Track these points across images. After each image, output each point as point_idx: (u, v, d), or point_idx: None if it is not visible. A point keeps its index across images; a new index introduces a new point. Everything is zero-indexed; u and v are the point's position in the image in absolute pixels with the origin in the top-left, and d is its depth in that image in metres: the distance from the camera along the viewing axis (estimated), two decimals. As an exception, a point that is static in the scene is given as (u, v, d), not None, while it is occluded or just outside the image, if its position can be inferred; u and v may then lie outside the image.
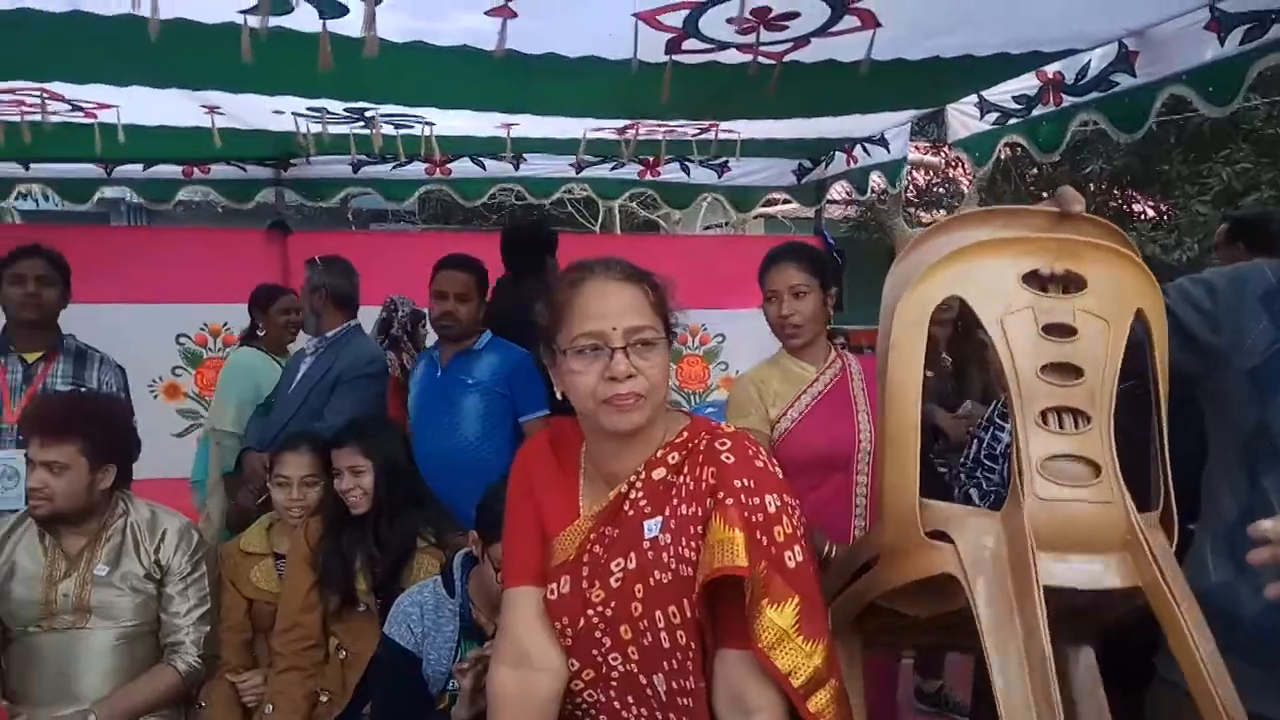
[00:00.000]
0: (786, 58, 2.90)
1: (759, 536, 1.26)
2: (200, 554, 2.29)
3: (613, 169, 4.97)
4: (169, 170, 4.73)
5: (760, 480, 1.31)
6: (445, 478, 2.73)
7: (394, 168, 4.84)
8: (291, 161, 4.80)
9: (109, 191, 5.28)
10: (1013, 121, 3.47)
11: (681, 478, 1.34)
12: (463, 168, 4.92)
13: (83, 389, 2.78)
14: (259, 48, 2.40)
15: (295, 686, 2.34)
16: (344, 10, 2.52)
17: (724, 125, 4.05)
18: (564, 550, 1.39)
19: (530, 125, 4.05)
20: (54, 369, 2.77)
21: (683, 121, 3.99)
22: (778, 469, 1.36)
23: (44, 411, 2.18)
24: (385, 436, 2.49)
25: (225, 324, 4.93)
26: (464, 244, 3.93)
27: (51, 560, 2.15)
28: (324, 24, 2.52)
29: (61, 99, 3.55)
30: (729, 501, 1.28)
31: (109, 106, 3.65)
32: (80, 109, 3.69)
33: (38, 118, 3.59)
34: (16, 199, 5.15)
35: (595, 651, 1.36)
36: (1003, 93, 3.46)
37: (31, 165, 4.61)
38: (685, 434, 1.39)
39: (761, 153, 4.68)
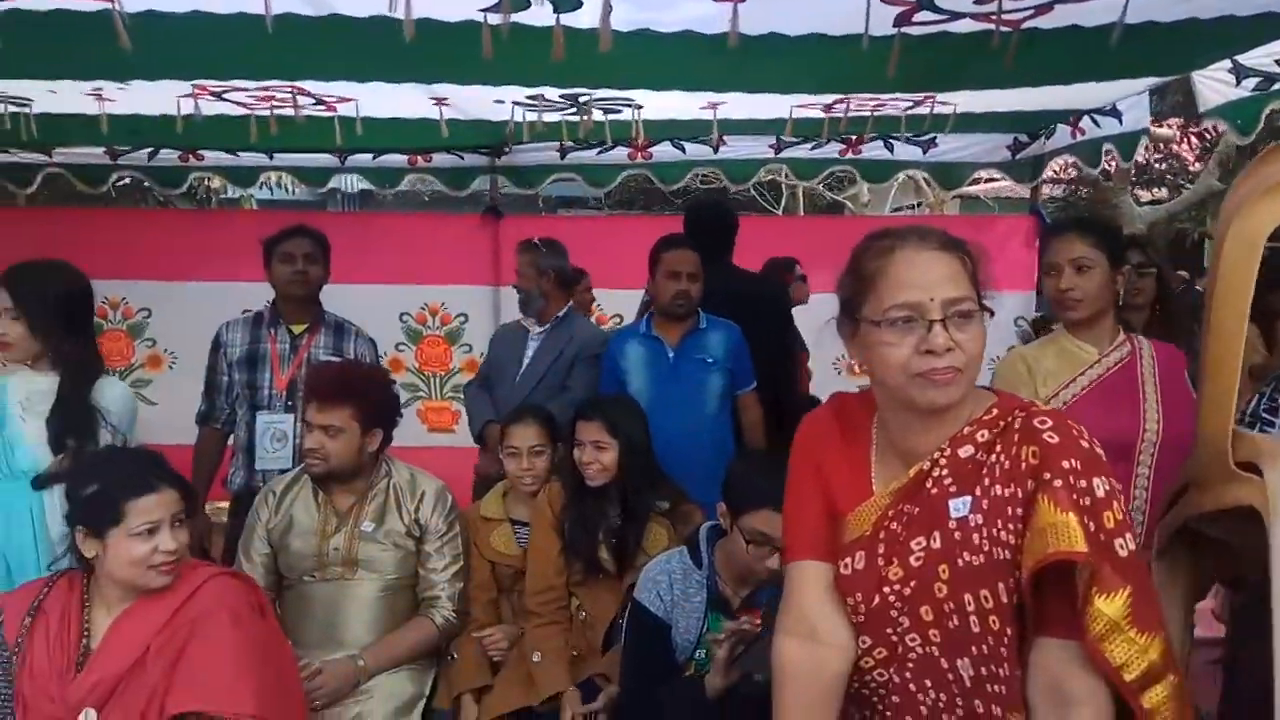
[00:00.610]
0: (1025, 25, 2.76)
1: (1087, 522, 1.21)
2: (454, 515, 2.47)
3: (813, 148, 4.90)
4: (395, 159, 5.06)
5: (1088, 462, 1.25)
6: (685, 454, 2.82)
7: (599, 153, 4.98)
8: (504, 149, 5.02)
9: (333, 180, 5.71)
10: (1277, 87, 3.16)
11: (994, 456, 1.30)
12: (663, 152, 5.00)
13: (344, 359, 3.01)
14: (497, 43, 2.52)
15: (556, 638, 2.48)
16: (578, 4, 2.61)
17: (940, 98, 3.91)
18: (858, 526, 1.37)
19: (736, 105, 4.06)
20: (316, 340, 3.01)
21: (896, 95, 3.88)
22: (1101, 450, 1.29)
23: (322, 379, 2.38)
24: (629, 415, 2.59)
25: (443, 304, 5.25)
26: (656, 228, 4.01)
27: (324, 516, 2.37)
28: (558, 18, 2.62)
29: (308, 94, 3.87)
30: (1057, 484, 1.22)
31: (349, 100, 3.94)
32: (323, 103, 4.00)
33: (289, 112, 3.93)
34: (260, 188, 5.65)
35: (890, 630, 1.34)
36: (1263, 56, 3.16)
37: (275, 155, 5.06)
38: (995, 411, 1.34)
39: (974, 127, 4.49)
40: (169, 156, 5.04)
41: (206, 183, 5.72)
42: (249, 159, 5.08)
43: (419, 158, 5.10)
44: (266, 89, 3.75)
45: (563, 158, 5.06)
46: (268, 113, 3.97)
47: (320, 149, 4.93)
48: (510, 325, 3.85)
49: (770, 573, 1.93)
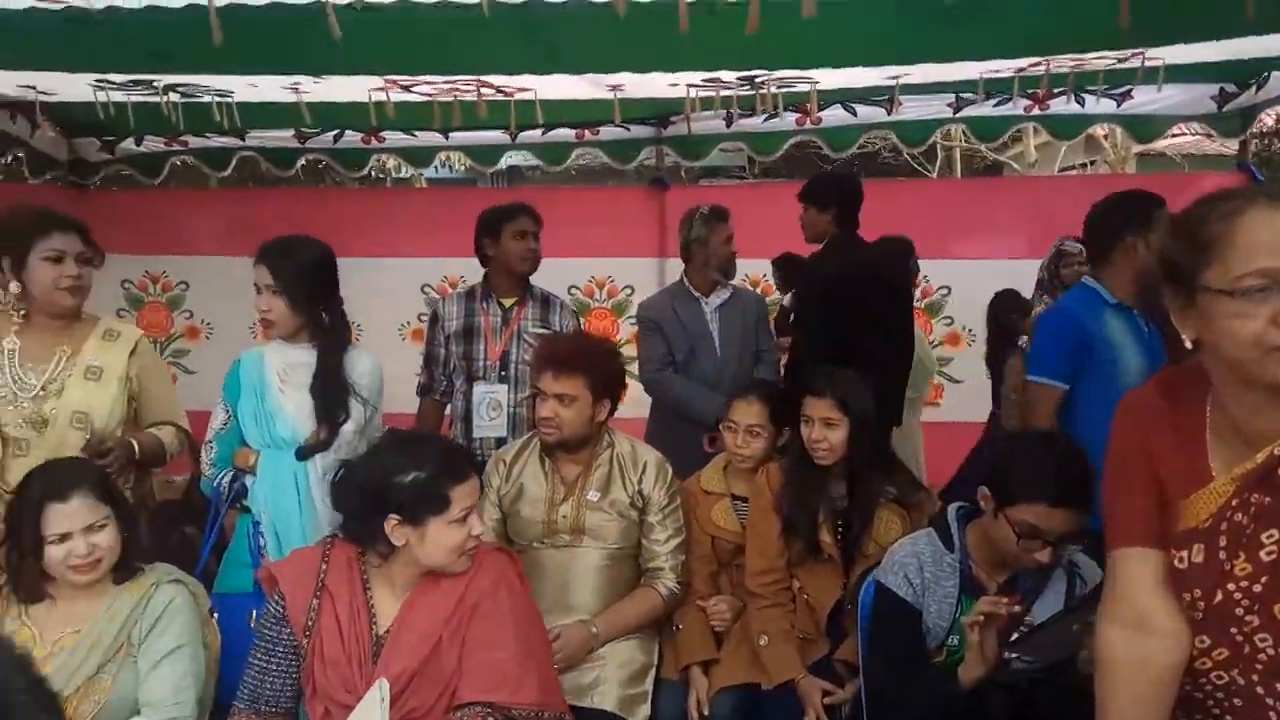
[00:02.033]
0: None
1: None
2: (675, 488, 2.49)
3: (996, 105, 4.67)
4: (563, 134, 5.11)
5: None
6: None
7: (765, 119, 4.89)
8: (671, 120, 5.00)
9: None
10: None
11: None
12: (834, 116, 4.86)
13: (550, 331, 3.09)
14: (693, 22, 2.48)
15: (782, 621, 2.47)
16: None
17: (1150, 54, 3.66)
18: (1193, 514, 1.28)
19: (921, 72, 3.92)
20: (525, 313, 3.10)
21: (1103, 54, 3.65)
22: None
23: (557, 349, 2.42)
24: (860, 392, 2.49)
25: (610, 276, 5.31)
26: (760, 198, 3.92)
27: (552, 485, 2.43)
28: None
29: (490, 86, 3.96)
30: None
31: (527, 90, 4.01)
32: (504, 92, 4.08)
33: (472, 97, 4.03)
34: (434, 167, 5.82)
35: (1235, 630, 1.25)
36: None
37: (451, 135, 5.20)
38: None
39: (1177, 78, 4.18)
40: (352, 139, 5.25)
41: (383, 161, 5.88)
42: (426, 139, 5.23)
43: (586, 131, 5.14)
44: (452, 81, 3.86)
45: (729, 125, 5.00)
46: (450, 99, 4.09)
47: (494, 127, 5.04)
48: (664, 301, 3.73)
49: (1038, 564, 1.87)
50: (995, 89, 4.31)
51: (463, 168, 5.50)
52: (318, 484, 2.23)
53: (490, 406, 2.97)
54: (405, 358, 5.16)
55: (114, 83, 3.94)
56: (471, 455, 1.90)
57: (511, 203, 3.23)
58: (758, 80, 3.87)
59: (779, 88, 4.05)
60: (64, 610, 1.84)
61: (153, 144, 5.31)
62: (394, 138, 5.28)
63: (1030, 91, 4.50)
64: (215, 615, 2.05)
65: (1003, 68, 3.79)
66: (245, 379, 2.32)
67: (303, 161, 5.48)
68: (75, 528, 1.78)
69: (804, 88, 4.04)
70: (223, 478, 2.26)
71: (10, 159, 4.93)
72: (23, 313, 2.27)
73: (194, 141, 5.27)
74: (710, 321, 3.47)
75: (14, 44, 3.35)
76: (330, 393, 2.29)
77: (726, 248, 3.44)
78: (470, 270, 5.49)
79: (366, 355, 2.47)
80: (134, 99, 4.16)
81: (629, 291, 5.34)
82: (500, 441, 2.99)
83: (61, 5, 2.71)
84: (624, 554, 2.43)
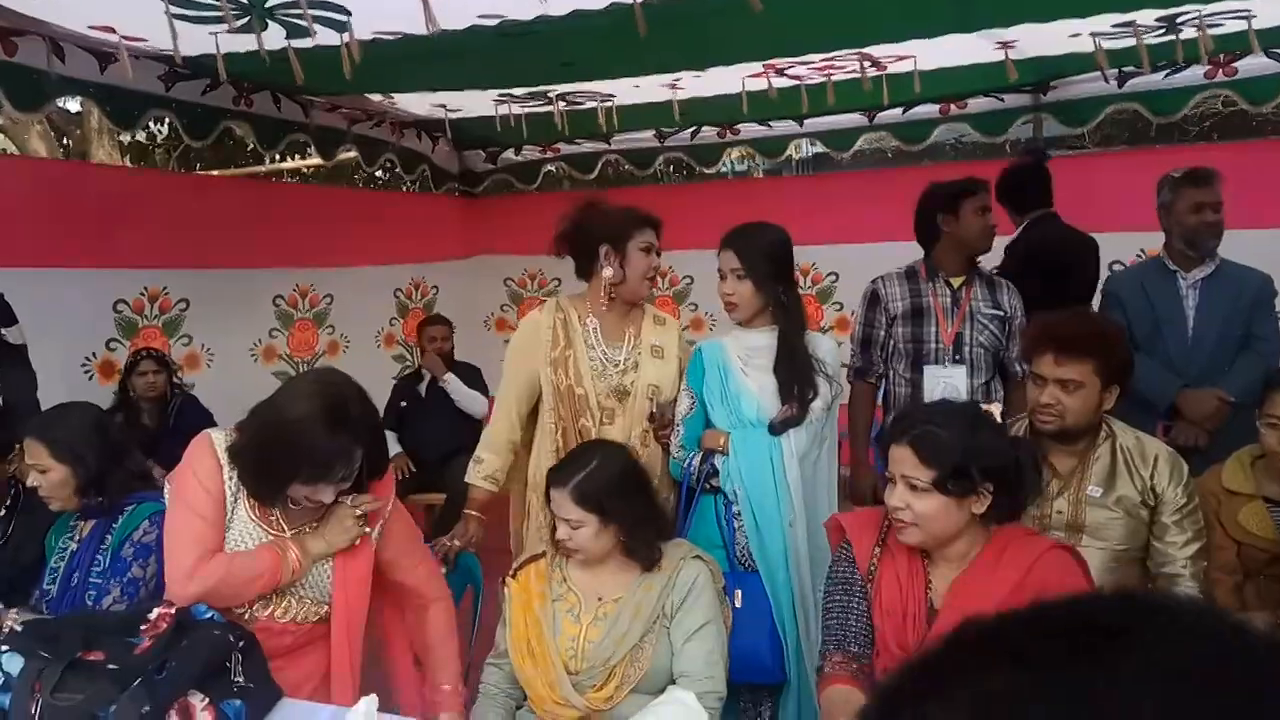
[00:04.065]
0: None
1: None
2: (1192, 486, 2.16)
3: None
4: (926, 110, 4.88)
5: None
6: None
7: (1166, 75, 4.35)
8: (1052, 84, 4.60)
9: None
10: None
11: None
12: (1253, 65, 4.20)
13: (1003, 312, 2.89)
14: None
15: None
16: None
17: None
18: None
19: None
20: (974, 293, 2.89)
21: None
22: None
23: (1061, 330, 2.17)
24: None
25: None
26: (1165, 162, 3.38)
27: (1045, 478, 2.12)
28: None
29: (870, 58, 3.83)
30: None
31: (906, 57, 3.83)
32: (877, 64, 3.94)
33: (852, 73, 3.94)
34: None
35: None
36: None
37: (805, 122, 5.15)
38: None
39: None
40: (708, 135, 5.37)
41: (731, 156, 5.95)
42: (780, 128, 5.23)
43: (952, 105, 4.86)
44: (830, 58, 3.78)
45: (1121, 86, 4.49)
46: (824, 79, 4.02)
47: (852, 109, 4.93)
48: (1134, 274, 3.37)
49: None
50: None
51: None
52: (790, 458, 2.27)
53: (945, 390, 2.80)
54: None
55: (515, 96, 4.31)
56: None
57: (969, 177, 3.05)
58: (1180, 20, 3.42)
59: (1203, 29, 3.56)
60: (604, 580, 1.96)
61: (529, 153, 5.78)
62: (748, 129, 5.33)
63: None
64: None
65: None
66: (709, 365, 2.41)
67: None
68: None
69: (1235, 27, 3.51)
70: (692, 459, 2.34)
71: (419, 173, 5.57)
72: (611, 296, 2.50)
73: (565, 149, 5.67)
74: (1185, 299, 3.06)
75: (439, 69, 3.77)
76: (796, 371, 2.32)
77: (1196, 216, 3.00)
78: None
79: (825, 337, 2.51)
80: (528, 111, 4.53)
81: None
82: None
83: (496, 20, 2.96)
84: (1130, 557, 2.16)
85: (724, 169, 6.75)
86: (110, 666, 1.45)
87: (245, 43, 3.05)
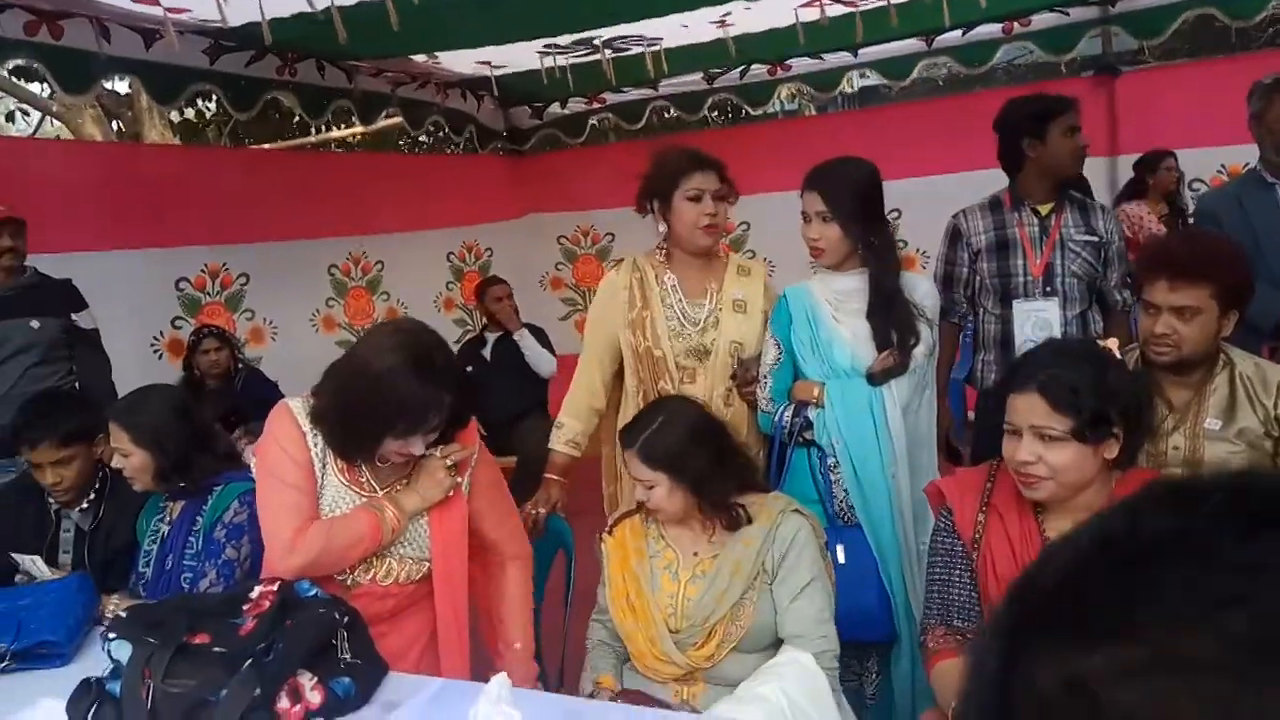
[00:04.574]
0: None
1: None
2: None
3: None
4: (989, 30, 4.65)
5: None
6: None
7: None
8: (1120, -6, 4.34)
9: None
10: None
11: None
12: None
13: (1097, 238, 2.72)
14: None
15: None
16: None
17: None
18: None
19: None
20: (1064, 219, 2.69)
21: None
22: None
23: (1172, 253, 2.01)
24: None
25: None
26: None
27: (1158, 410, 2.02)
28: None
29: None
30: None
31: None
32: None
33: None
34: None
35: None
36: None
37: (860, 52, 4.95)
38: None
39: None
40: (758, 73, 5.20)
41: (780, 95, 5.76)
42: (833, 60, 5.04)
43: (1015, 24, 4.62)
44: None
45: (1200, -10, 4.22)
46: (883, 2, 3.83)
47: (906, 34, 4.71)
48: (1230, 189, 3.10)
49: None
50: None
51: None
52: (893, 408, 2.15)
53: (1037, 325, 2.63)
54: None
55: (560, 46, 4.19)
56: None
57: (1056, 95, 2.86)
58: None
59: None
60: (699, 535, 1.89)
61: (575, 105, 5.66)
62: (799, 64, 5.15)
63: None
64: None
65: None
66: (795, 312, 2.27)
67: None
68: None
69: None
70: (783, 412, 2.21)
71: (466, 134, 5.49)
72: (666, 251, 2.40)
73: (611, 98, 5.53)
74: None
75: (482, 20, 3.67)
76: (895, 317, 2.17)
77: None
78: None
79: (923, 278, 2.34)
80: (573, 61, 4.41)
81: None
82: None
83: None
84: None
85: (773, 109, 6.54)
86: (217, 649, 1.43)
87: (290, 5, 2.99)
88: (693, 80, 5.32)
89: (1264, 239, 2.73)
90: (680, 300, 2.36)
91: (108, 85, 6.63)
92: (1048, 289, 2.66)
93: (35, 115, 9.18)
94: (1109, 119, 4.55)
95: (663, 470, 1.79)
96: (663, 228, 2.37)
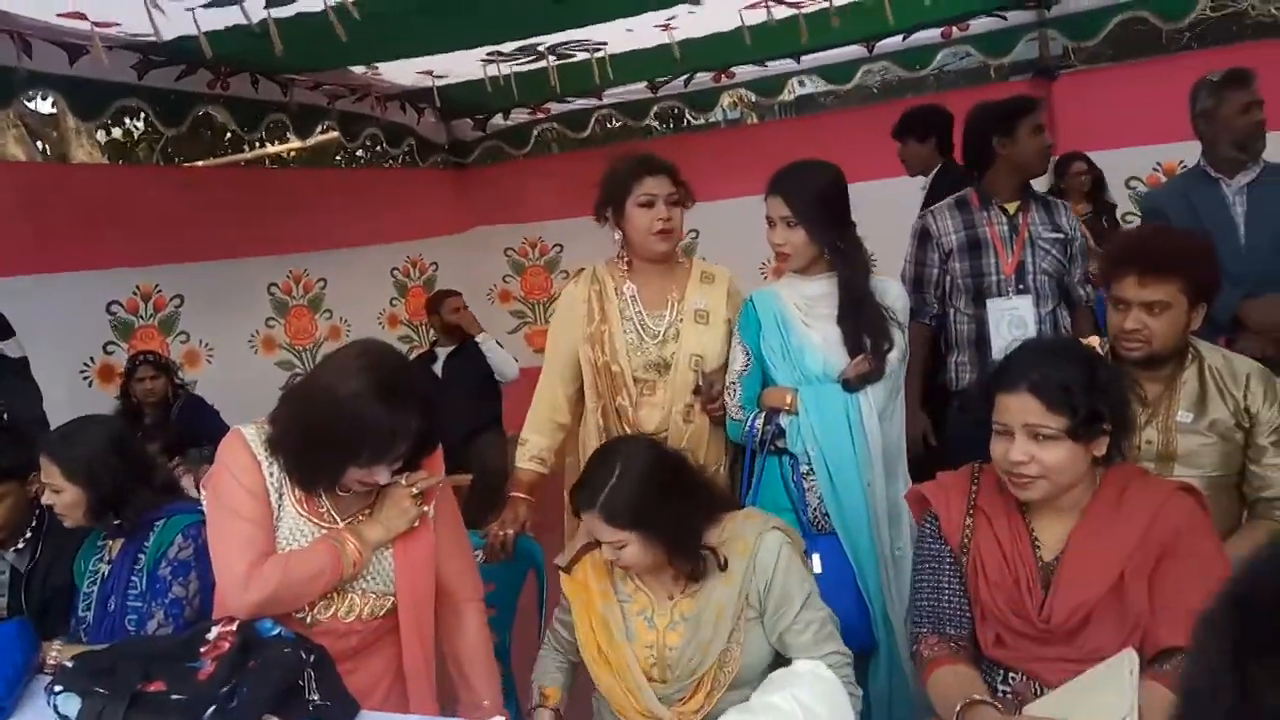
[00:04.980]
0: None
1: None
2: None
3: None
4: (928, 35, 4.71)
5: None
6: None
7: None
8: (1055, -1, 4.43)
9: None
10: None
11: None
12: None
13: (1063, 235, 2.72)
14: None
15: None
16: None
17: None
18: None
19: None
20: (1031, 217, 2.73)
21: None
22: None
23: (1143, 247, 2.01)
24: None
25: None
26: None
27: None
28: None
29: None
30: None
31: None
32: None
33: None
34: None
35: None
36: None
37: (802, 58, 4.97)
38: None
39: None
40: (703, 80, 5.19)
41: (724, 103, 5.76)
42: (776, 67, 5.06)
43: (954, 29, 4.69)
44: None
45: (1130, -9, 4.32)
46: (825, 4, 3.84)
47: (850, 41, 4.75)
48: (1177, 185, 3.12)
49: None
50: None
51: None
52: (870, 415, 2.11)
53: (1012, 324, 2.64)
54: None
55: (504, 53, 4.12)
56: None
57: (1022, 95, 2.88)
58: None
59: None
60: (676, 577, 1.73)
61: (519, 116, 5.59)
62: (744, 72, 5.15)
63: None
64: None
65: None
66: (763, 316, 2.21)
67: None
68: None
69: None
70: (754, 419, 2.16)
71: (405, 147, 5.38)
72: (627, 260, 2.33)
73: (555, 108, 5.48)
74: (1233, 206, 2.90)
75: (426, 28, 3.59)
76: (866, 321, 2.14)
77: (1244, 118, 2.83)
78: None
79: (893, 281, 2.30)
80: (518, 69, 4.34)
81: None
82: None
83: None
84: (1225, 483, 2.03)
85: (716, 118, 6.56)
86: (175, 697, 1.33)
87: (226, 18, 2.87)
88: (637, 89, 5.29)
89: (1213, 234, 2.77)
90: (639, 312, 2.29)
91: (29, 105, 6.37)
92: (1020, 287, 2.68)
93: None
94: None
95: (631, 529, 1.64)
96: (618, 235, 2.31)
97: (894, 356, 2.14)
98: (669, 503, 1.65)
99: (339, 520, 1.68)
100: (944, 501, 1.67)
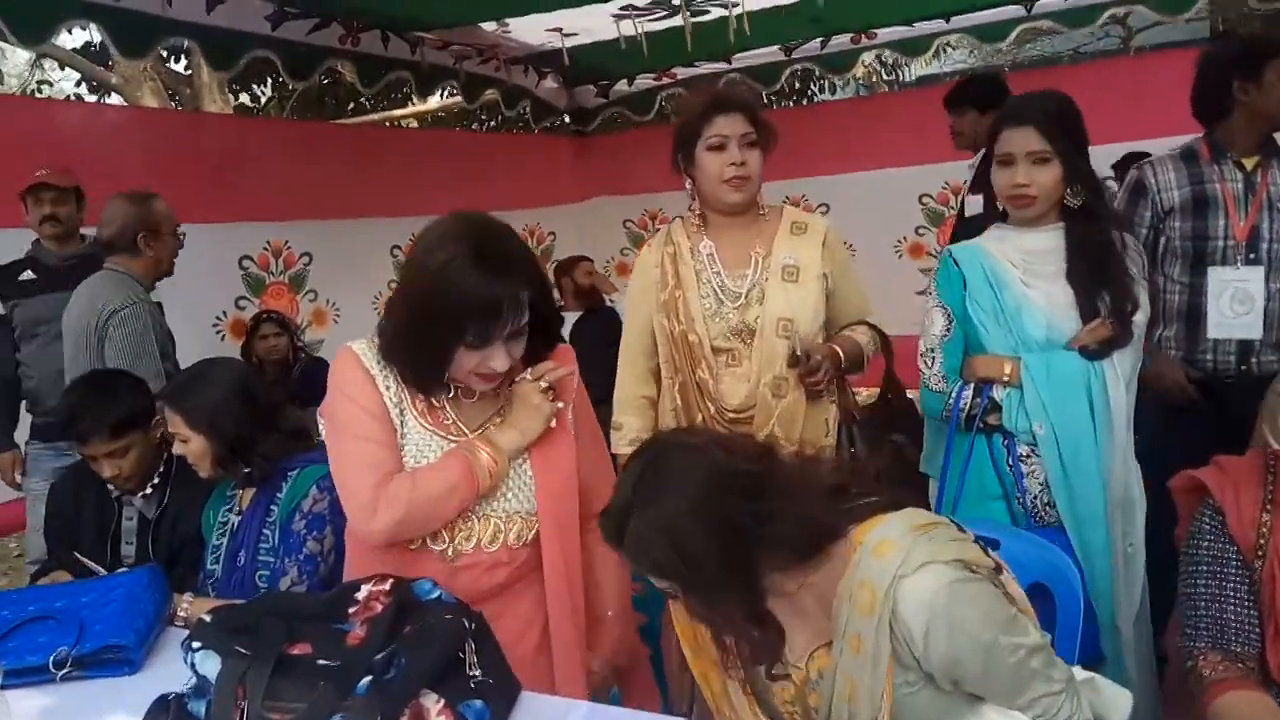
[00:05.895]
0: None
1: None
2: None
3: None
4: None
5: None
6: None
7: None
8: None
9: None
10: None
11: None
12: None
13: None
14: None
15: None
16: None
17: None
18: None
19: None
20: (1273, 175, 2.34)
21: None
22: None
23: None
24: None
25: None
26: None
27: None
28: None
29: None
30: None
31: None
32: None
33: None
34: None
35: None
36: None
37: (953, 19, 4.63)
38: None
39: None
40: (840, 42, 4.89)
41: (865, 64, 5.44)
42: (924, 28, 4.72)
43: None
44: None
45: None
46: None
47: (1003, 2, 4.38)
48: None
49: None
50: None
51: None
52: (1116, 386, 1.81)
53: (1235, 298, 2.32)
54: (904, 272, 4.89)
55: (638, 7, 3.92)
56: None
57: (1271, 36, 2.51)
58: None
59: None
60: (803, 623, 1.27)
61: (643, 82, 5.38)
62: (886, 34, 4.83)
63: None
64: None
65: None
66: (969, 274, 1.91)
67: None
68: None
69: None
70: (960, 391, 1.87)
71: (520, 109, 5.25)
72: (699, 214, 2.09)
73: (681, 73, 5.26)
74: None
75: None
76: (1110, 280, 1.84)
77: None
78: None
79: (1129, 239, 1.95)
80: (650, 28, 4.14)
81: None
82: (1247, 347, 2.31)
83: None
84: None
85: (848, 86, 6.24)
86: (321, 662, 1.17)
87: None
88: (769, 52, 5.02)
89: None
90: (718, 273, 2.05)
91: (165, 54, 6.47)
92: (1251, 256, 2.31)
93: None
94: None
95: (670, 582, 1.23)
96: (688, 185, 2.07)
97: (1139, 319, 1.84)
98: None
99: (467, 431, 1.48)
100: (1231, 494, 1.41)
